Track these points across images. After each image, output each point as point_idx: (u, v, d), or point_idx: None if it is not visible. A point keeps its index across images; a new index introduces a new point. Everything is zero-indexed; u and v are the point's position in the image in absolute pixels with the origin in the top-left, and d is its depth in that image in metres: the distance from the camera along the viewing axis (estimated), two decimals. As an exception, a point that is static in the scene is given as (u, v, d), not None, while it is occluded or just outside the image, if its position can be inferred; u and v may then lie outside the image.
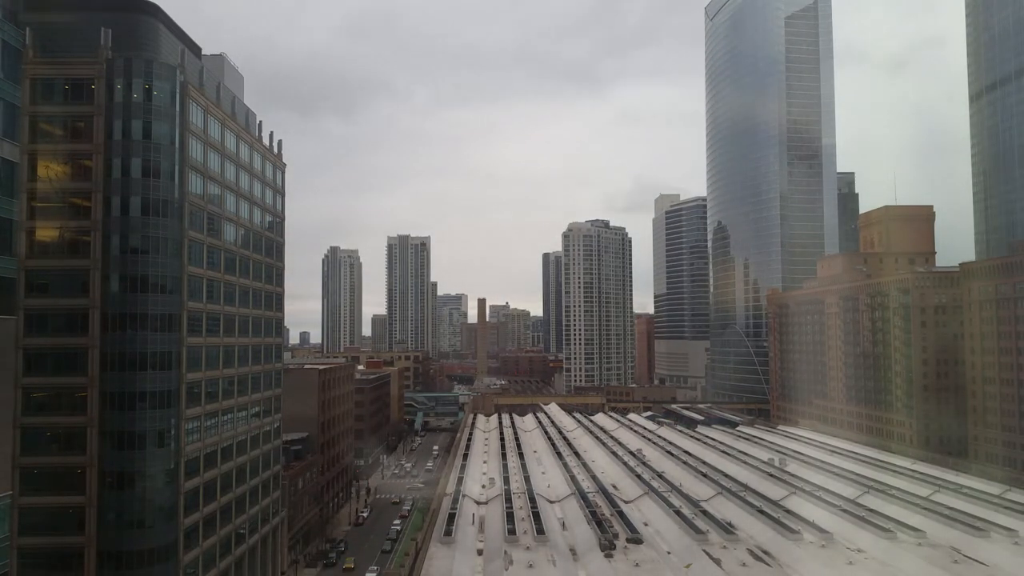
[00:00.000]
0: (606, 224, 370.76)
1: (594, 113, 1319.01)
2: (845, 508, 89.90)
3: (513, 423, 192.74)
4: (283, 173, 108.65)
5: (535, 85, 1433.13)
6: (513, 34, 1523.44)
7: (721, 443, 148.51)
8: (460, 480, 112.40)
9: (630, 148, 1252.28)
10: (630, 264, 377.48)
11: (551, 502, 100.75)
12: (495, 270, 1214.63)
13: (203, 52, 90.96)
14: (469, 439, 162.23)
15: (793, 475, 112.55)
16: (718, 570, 68.55)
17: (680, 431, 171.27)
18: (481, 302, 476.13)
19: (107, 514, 67.55)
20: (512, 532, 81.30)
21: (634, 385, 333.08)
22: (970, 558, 72.33)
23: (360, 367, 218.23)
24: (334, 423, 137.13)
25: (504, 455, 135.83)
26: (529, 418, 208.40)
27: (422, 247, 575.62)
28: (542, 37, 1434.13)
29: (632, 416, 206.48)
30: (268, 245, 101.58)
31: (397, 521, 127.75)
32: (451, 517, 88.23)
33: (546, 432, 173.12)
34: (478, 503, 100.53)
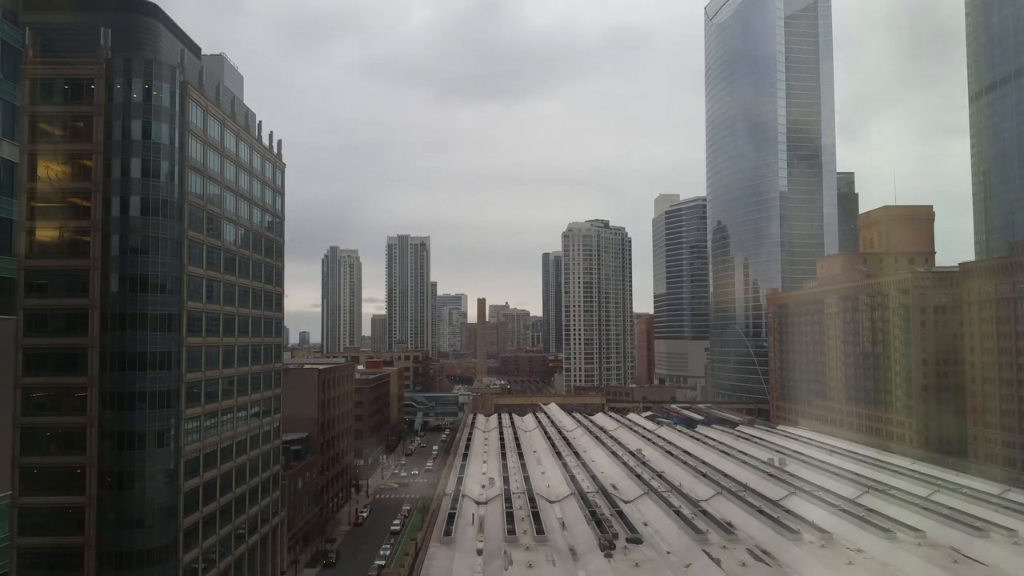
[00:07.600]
0: (606, 224, 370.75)
1: (595, 110, 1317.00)
2: (845, 508, 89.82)
3: (513, 423, 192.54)
4: (282, 173, 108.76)
5: (536, 82, 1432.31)
6: (513, 29, 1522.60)
7: (721, 443, 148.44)
8: (460, 480, 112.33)
9: (630, 146, 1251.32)
10: (630, 264, 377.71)
11: (551, 502, 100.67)
12: (495, 270, 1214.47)
13: (203, 52, 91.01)
14: (469, 439, 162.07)
15: (793, 475, 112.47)
16: (718, 570, 68.50)
17: (680, 431, 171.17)
18: (481, 302, 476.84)
19: (107, 514, 67.63)
20: (512, 532, 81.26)
21: (634, 385, 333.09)
22: (970, 558, 72.26)
23: (360, 367, 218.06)
24: (334, 423, 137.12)
25: (504, 455, 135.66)
26: (529, 418, 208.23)
27: (422, 247, 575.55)
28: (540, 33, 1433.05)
29: (632, 416, 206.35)
30: (268, 245, 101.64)
31: (397, 521, 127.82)
32: (451, 517, 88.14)
33: (546, 432, 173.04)
34: (478, 503, 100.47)
